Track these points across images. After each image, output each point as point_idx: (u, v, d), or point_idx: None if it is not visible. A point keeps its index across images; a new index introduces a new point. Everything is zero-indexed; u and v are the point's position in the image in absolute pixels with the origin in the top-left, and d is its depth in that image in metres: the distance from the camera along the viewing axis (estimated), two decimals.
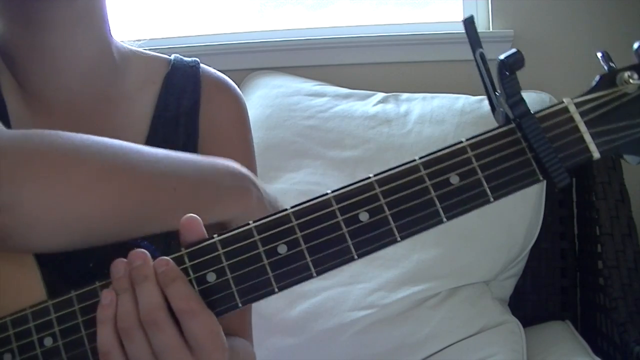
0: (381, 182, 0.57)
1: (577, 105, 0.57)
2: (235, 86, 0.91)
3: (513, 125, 0.57)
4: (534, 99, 1.57)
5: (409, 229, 0.56)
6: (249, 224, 0.57)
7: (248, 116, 0.90)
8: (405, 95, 1.63)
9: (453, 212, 0.56)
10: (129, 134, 0.79)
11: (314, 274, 0.56)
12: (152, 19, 1.95)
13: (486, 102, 1.80)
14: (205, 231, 0.58)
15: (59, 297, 0.59)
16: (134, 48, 0.86)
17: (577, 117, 0.57)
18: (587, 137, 0.56)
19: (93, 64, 0.78)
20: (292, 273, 0.56)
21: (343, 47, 1.80)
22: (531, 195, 1.47)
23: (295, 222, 0.56)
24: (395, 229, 0.56)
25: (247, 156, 0.88)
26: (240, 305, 0.57)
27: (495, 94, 0.59)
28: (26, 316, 0.59)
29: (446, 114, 1.55)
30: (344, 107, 1.60)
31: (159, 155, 0.66)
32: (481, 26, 1.81)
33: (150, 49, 0.89)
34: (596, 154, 0.56)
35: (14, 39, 0.76)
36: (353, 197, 0.56)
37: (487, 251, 1.43)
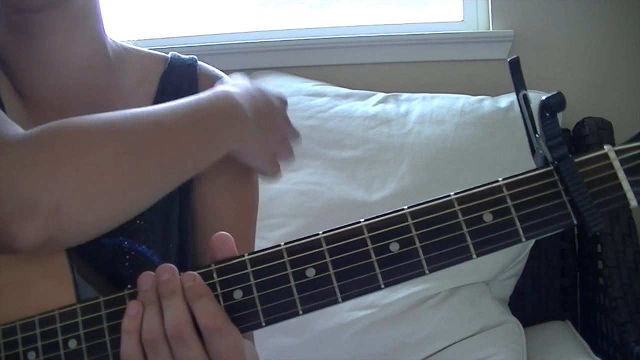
0: (414, 215, 0.57)
1: (618, 152, 0.57)
2: None
3: (551, 167, 0.57)
4: (533, 99, 1.57)
5: (438, 263, 0.56)
6: (279, 246, 0.58)
7: None
8: (405, 95, 1.63)
9: (483, 249, 0.56)
10: None
11: (340, 300, 0.56)
12: (152, 19, 1.95)
13: (486, 102, 1.80)
14: (235, 249, 0.59)
15: (88, 301, 0.60)
16: (129, 46, 0.85)
17: (616, 165, 0.57)
18: (625, 185, 0.56)
19: (88, 65, 0.78)
20: (318, 297, 0.57)
21: (343, 47, 1.80)
22: None
23: (325, 247, 0.57)
24: (424, 262, 0.56)
25: None
26: (263, 324, 0.57)
27: (536, 136, 0.59)
28: (54, 317, 0.60)
29: (446, 114, 1.55)
30: (344, 107, 1.60)
31: (160, 114, 0.68)
32: (481, 26, 1.81)
33: (150, 49, 0.89)
34: (633, 202, 0.56)
35: (8, 43, 0.75)
36: (385, 226, 0.57)
37: None
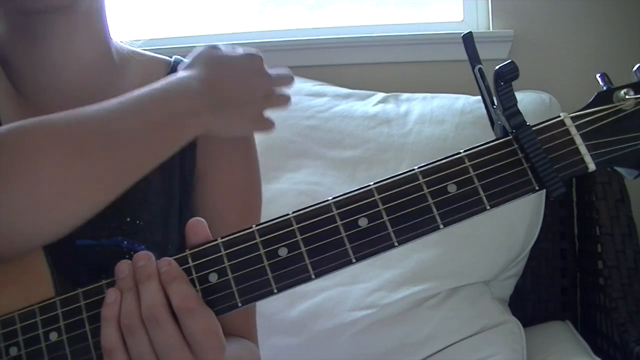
0: (380, 189, 0.58)
1: (573, 119, 0.59)
2: None
3: (510, 136, 0.59)
4: (533, 99, 1.57)
5: (406, 235, 0.58)
6: (251, 227, 0.59)
7: None
8: (405, 95, 1.63)
9: (449, 219, 0.58)
10: None
11: (313, 276, 0.58)
12: (152, 19, 1.95)
13: None
14: (209, 233, 0.60)
15: (66, 293, 0.61)
16: (133, 49, 0.85)
17: (572, 130, 0.58)
18: (583, 149, 0.58)
19: (91, 68, 0.77)
20: (291, 275, 0.58)
21: (343, 47, 1.80)
22: (531, 196, 1.47)
23: (296, 226, 0.58)
24: (393, 234, 0.58)
25: (248, 159, 0.86)
26: (240, 304, 0.58)
27: (493, 107, 0.61)
28: (33, 311, 0.61)
29: (446, 114, 1.55)
30: (344, 107, 1.60)
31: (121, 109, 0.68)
32: (481, 26, 1.81)
33: (150, 49, 0.88)
34: (591, 166, 0.58)
35: (11, 44, 0.75)
36: (353, 203, 0.58)
37: (487, 251, 1.43)
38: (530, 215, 1.47)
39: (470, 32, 0.62)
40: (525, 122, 0.58)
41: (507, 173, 0.58)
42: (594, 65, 1.78)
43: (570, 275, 1.59)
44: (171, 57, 0.88)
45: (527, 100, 1.56)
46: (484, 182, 0.58)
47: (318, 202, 0.59)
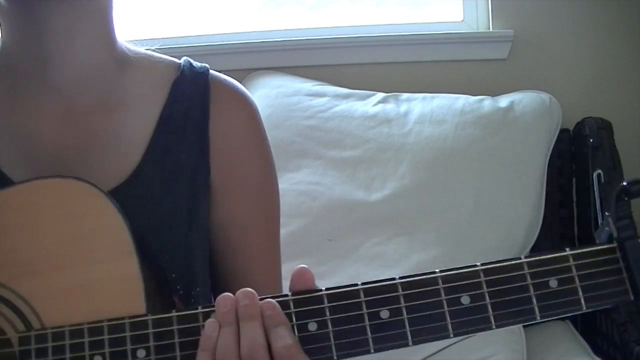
0: (487, 272, 0.60)
1: None
2: (248, 94, 0.86)
3: (614, 244, 0.60)
4: (533, 99, 1.57)
5: (505, 320, 0.59)
6: (357, 285, 0.60)
7: (263, 127, 0.86)
8: (405, 95, 1.63)
9: (547, 312, 0.60)
10: (128, 143, 0.76)
11: (410, 343, 0.59)
12: (152, 19, 1.95)
13: (486, 101, 1.80)
14: (315, 284, 0.61)
15: (159, 314, 0.61)
16: (141, 50, 0.82)
17: None
18: None
19: (92, 69, 0.75)
20: (389, 339, 0.59)
21: (343, 47, 1.80)
22: (531, 195, 1.47)
23: (401, 292, 0.60)
24: (492, 317, 0.59)
25: (265, 167, 0.83)
26: (335, 358, 0.59)
27: (605, 214, 0.62)
28: (124, 325, 0.60)
29: (446, 114, 1.55)
30: (344, 107, 1.60)
31: None
32: (481, 26, 1.81)
33: (150, 49, 0.87)
34: None
35: (15, 45, 0.73)
36: (459, 280, 0.60)
37: (487, 251, 1.43)
38: (530, 215, 1.47)
39: (600, 172, 0.65)
40: (636, 234, 0.60)
41: (606, 279, 0.60)
42: (594, 65, 1.79)
43: None
44: (180, 60, 0.84)
45: (527, 100, 1.56)
46: (584, 283, 0.60)
47: (425, 272, 0.61)
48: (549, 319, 0.60)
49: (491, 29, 1.78)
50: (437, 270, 0.61)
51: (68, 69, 0.74)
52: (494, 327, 0.59)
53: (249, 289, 0.59)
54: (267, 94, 1.66)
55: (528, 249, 1.48)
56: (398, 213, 1.45)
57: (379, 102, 1.61)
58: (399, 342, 0.59)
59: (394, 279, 0.61)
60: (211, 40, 1.84)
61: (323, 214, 1.46)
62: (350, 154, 1.53)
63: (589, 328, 1.52)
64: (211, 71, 0.84)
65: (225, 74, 0.87)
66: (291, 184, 1.50)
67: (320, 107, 1.60)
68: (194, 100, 0.79)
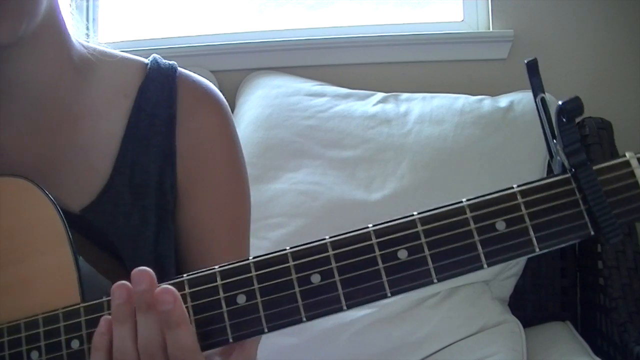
0: (424, 221, 0.55)
1: None
2: (218, 93, 0.81)
3: (568, 175, 0.54)
4: (533, 99, 1.57)
5: (447, 272, 0.55)
6: (285, 249, 0.56)
7: (234, 128, 0.82)
8: (405, 95, 1.63)
9: (495, 258, 0.54)
10: (96, 155, 0.75)
11: (344, 307, 0.55)
12: (152, 19, 1.95)
13: (486, 101, 1.80)
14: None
15: (92, 300, 0.59)
16: (104, 50, 0.79)
17: (638, 173, 0.53)
18: None
19: (55, 85, 0.73)
20: (322, 304, 0.55)
21: (343, 47, 1.80)
22: None
23: (331, 252, 0.55)
24: (433, 270, 0.55)
25: (234, 170, 0.81)
26: (266, 330, 0.56)
27: (554, 141, 0.56)
28: (57, 316, 0.59)
29: (446, 114, 1.55)
30: (344, 107, 1.60)
31: None
32: (481, 26, 1.81)
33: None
34: None
35: None
36: (394, 232, 0.55)
37: None
38: None
39: (535, 59, 0.57)
40: (586, 161, 0.53)
41: (561, 214, 0.53)
42: (594, 65, 1.79)
43: (570, 275, 1.59)
44: (149, 58, 0.81)
45: (527, 100, 1.56)
46: (535, 222, 0.53)
47: (357, 228, 0.56)
48: (495, 264, 0.54)
49: (491, 29, 1.78)
50: (370, 225, 0.56)
51: (30, 88, 0.72)
52: (435, 280, 0.55)
53: (144, 268, 0.54)
54: (267, 94, 1.66)
55: None
56: (398, 213, 1.44)
57: (379, 102, 1.61)
58: (332, 307, 0.55)
59: (324, 239, 0.56)
60: (211, 40, 1.84)
61: (323, 214, 1.46)
62: (350, 154, 1.53)
63: (589, 328, 1.52)
64: (179, 70, 0.81)
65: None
66: (291, 183, 1.50)
67: (320, 107, 1.60)
68: (160, 106, 0.77)
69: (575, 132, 0.54)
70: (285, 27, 1.89)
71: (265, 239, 1.41)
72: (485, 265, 0.54)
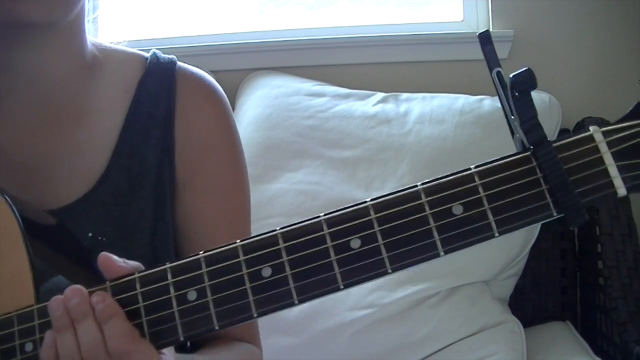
0: (377, 208, 0.52)
1: (605, 134, 0.51)
2: (216, 86, 0.83)
3: (528, 153, 0.51)
4: (533, 99, 1.57)
5: (402, 262, 0.52)
6: (235, 243, 0.54)
7: (232, 118, 0.83)
8: (405, 95, 1.63)
9: (452, 245, 0.51)
10: (95, 147, 0.76)
11: (296, 302, 0.53)
12: (152, 19, 1.95)
13: (486, 101, 1.80)
14: (121, 265, 0.57)
15: (42, 303, 0.58)
16: (109, 46, 0.81)
17: (603, 148, 0.50)
18: (613, 171, 0.50)
19: (63, 81, 0.74)
20: (273, 299, 0.53)
21: (343, 47, 1.80)
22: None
23: (282, 245, 0.53)
24: (387, 260, 0.52)
25: (232, 162, 0.82)
26: (217, 328, 0.54)
27: (512, 118, 0.53)
28: (12, 319, 0.59)
29: (446, 114, 1.55)
30: (344, 107, 1.60)
31: None
32: (481, 26, 1.81)
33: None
34: (621, 190, 0.49)
35: None
36: (346, 222, 0.53)
37: (487, 251, 1.43)
38: None
39: (488, 30, 0.55)
40: (545, 136, 0.50)
41: (522, 195, 0.50)
42: (594, 65, 1.78)
43: (570, 275, 1.59)
44: (149, 53, 0.83)
45: None
46: (494, 204, 0.50)
47: (308, 218, 0.53)
48: (453, 252, 0.51)
49: (491, 29, 1.78)
50: (322, 214, 0.53)
51: (39, 81, 0.73)
52: (389, 270, 0.52)
53: (77, 285, 0.56)
54: (267, 94, 1.66)
55: (528, 249, 1.48)
56: None
57: (379, 102, 1.61)
58: (283, 302, 0.53)
59: (274, 230, 0.54)
60: (211, 40, 1.84)
61: None
62: (350, 154, 1.53)
63: (589, 328, 1.52)
64: (179, 63, 0.82)
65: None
66: (291, 183, 1.50)
67: (320, 107, 1.60)
68: (159, 98, 0.78)
69: (531, 107, 0.51)
70: (285, 27, 1.89)
71: None
72: (441, 253, 0.52)
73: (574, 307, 1.60)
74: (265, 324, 1.38)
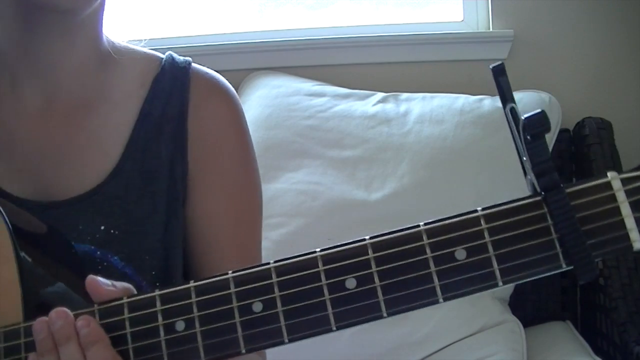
0: (376, 247, 0.50)
1: (624, 182, 0.46)
2: (230, 87, 0.84)
3: (539, 198, 0.48)
4: (533, 99, 1.57)
5: (398, 306, 0.50)
6: (227, 274, 0.53)
7: (244, 119, 0.84)
8: (404, 95, 1.63)
9: (452, 293, 0.49)
10: (107, 141, 0.76)
11: (286, 340, 0.52)
12: (152, 19, 1.95)
13: (486, 101, 1.80)
14: (109, 287, 0.56)
15: (30, 321, 0.57)
16: (125, 45, 0.82)
17: (620, 197, 0.46)
18: (630, 223, 0.46)
19: (79, 70, 0.76)
20: (262, 336, 0.52)
21: (343, 47, 1.80)
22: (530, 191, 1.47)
23: (275, 279, 0.51)
24: (382, 304, 0.50)
25: (243, 160, 0.82)
26: None
27: (524, 159, 0.49)
28: None
29: (446, 114, 1.55)
30: (344, 107, 1.60)
31: None
32: (481, 26, 1.81)
33: (147, 48, 0.87)
34: (637, 244, 0.46)
35: (6, 41, 0.73)
36: (342, 260, 0.50)
37: None
38: None
39: (502, 64, 0.50)
40: (558, 182, 0.46)
41: (529, 243, 0.47)
42: (594, 65, 1.78)
43: (570, 275, 1.58)
44: (164, 54, 0.84)
45: (527, 100, 1.56)
46: (500, 251, 0.47)
47: (304, 252, 0.51)
48: (453, 299, 0.49)
49: (491, 29, 1.78)
50: (318, 250, 0.51)
51: (56, 69, 0.74)
52: (385, 315, 0.50)
53: (62, 308, 0.55)
54: (267, 94, 1.66)
55: None
56: (398, 213, 1.45)
57: (379, 101, 1.61)
58: (273, 340, 0.51)
59: (268, 263, 0.52)
60: (211, 40, 1.84)
61: (323, 214, 1.46)
62: (350, 154, 1.53)
63: (589, 328, 1.52)
64: (193, 64, 0.83)
65: (225, 74, 0.86)
66: (291, 183, 1.50)
67: (320, 107, 1.60)
68: (173, 95, 0.79)
69: (545, 150, 0.47)
70: (285, 27, 1.89)
71: (266, 239, 1.41)
72: (441, 300, 0.49)
73: (574, 307, 1.60)
74: None
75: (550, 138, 1.55)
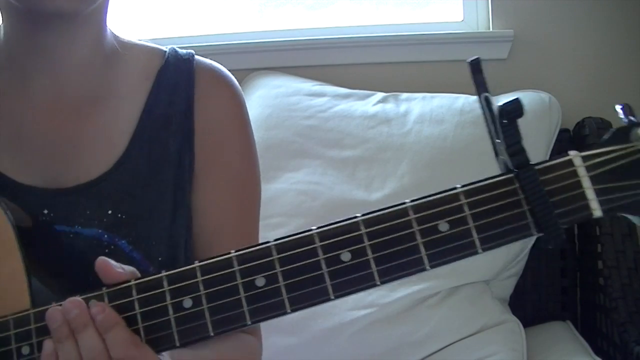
0: (368, 223, 0.55)
1: (584, 159, 0.54)
2: (233, 78, 0.86)
3: (511, 175, 0.54)
4: (533, 99, 1.57)
5: (390, 275, 0.55)
6: (229, 253, 0.57)
7: (246, 109, 0.86)
8: (405, 95, 1.63)
9: (438, 260, 0.54)
10: (114, 132, 0.78)
11: (289, 311, 0.56)
12: (152, 19, 1.95)
13: None
14: (118, 270, 0.58)
15: (40, 307, 0.59)
16: (129, 40, 0.84)
17: (581, 172, 0.53)
18: (590, 194, 0.53)
19: (85, 65, 0.77)
20: (267, 309, 0.56)
21: (343, 47, 1.80)
22: None
23: (276, 256, 0.56)
24: (376, 274, 0.55)
25: (246, 152, 0.85)
26: (212, 335, 0.56)
27: (497, 141, 0.56)
28: (8, 323, 0.59)
29: (446, 114, 1.55)
30: (344, 107, 1.60)
31: None
32: (481, 26, 1.81)
33: (148, 43, 0.88)
34: (597, 212, 0.53)
35: (16, 36, 0.75)
36: (337, 235, 0.55)
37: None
38: None
39: (478, 58, 0.58)
40: (528, 161, 0.54)
41: (504, 215, 0.54)
42: (593, 65, 1.78)
43: (570, 275, 1.59)
44: (166, 48, 0.86)
45: (527, 100, 1.56)
46: (479, 222, 0.54)
47: (301, 231, 0.56)
48: (438, 266, 0.54)
49: (491, 29, 1.78)
50: (314, 227, 0.56)
51: (63, 63, 0.76)
52: (378, 283, 0.54)
53: (76, 297, 0.57)
54: (267, 94, 1.66)
55: (528, 248, 1.48)
56: None
57: (379, 101, 1.61)
58: (276, 312, 0.56)
59: (268, 242, 0.56)
60: (211, 40, 1.84)
61: (323, 214, 1.46)
62: (350, 154, 1.53)
63: (589, 328, 1.52)
64: (196, 57, 0.85)
65: (225, 68, 0.88)
66: (291, 183, 1.50)
67: (320, 107, 1.60)
68: (178, 87, 0.81)
69: (517, 133, 0.54)
70: (285, 27, 1.89)
71: (265, 239, 1.41)
72: (428, 267, 0.54)
73: (574, 307, 1.60)
74: (265, 323, 1.38)
75: (550, 138, 1.55)
